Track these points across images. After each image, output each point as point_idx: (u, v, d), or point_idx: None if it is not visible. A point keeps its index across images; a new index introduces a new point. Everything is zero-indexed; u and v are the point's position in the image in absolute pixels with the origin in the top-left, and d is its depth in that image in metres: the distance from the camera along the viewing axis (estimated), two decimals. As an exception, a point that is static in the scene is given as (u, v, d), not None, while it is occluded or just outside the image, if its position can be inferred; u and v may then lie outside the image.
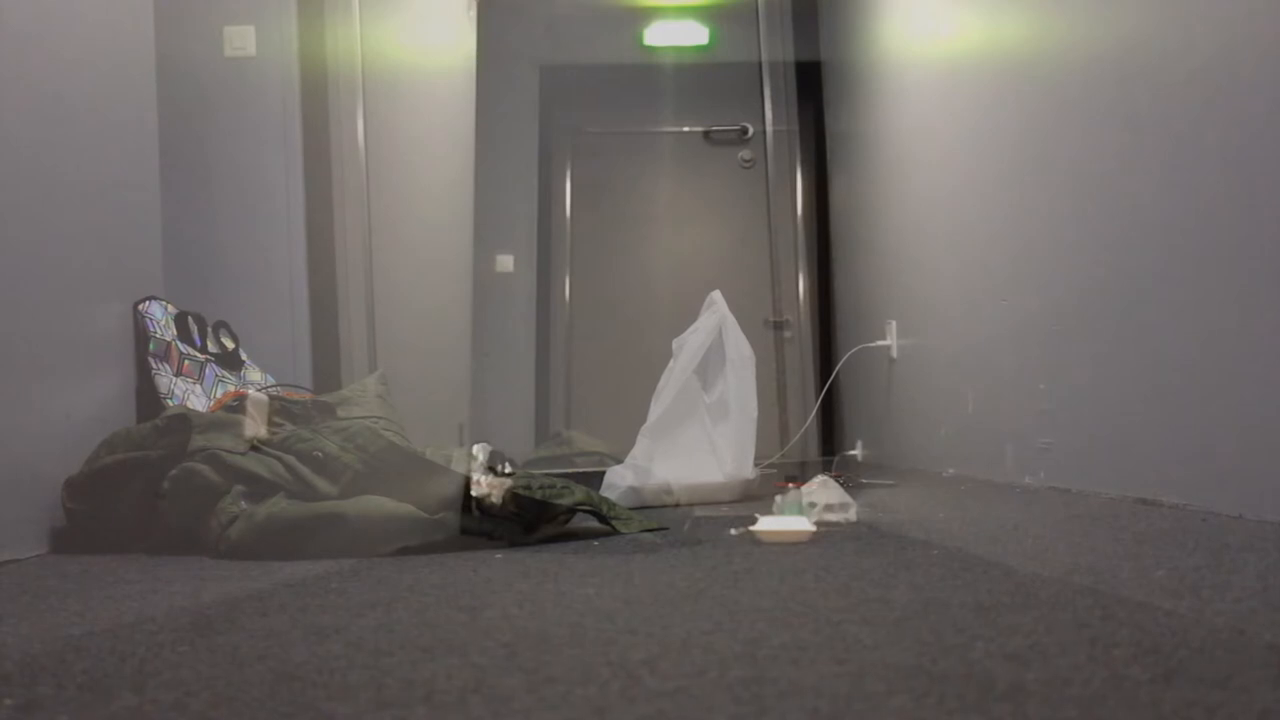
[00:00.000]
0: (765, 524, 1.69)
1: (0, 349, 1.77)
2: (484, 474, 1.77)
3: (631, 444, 2.57)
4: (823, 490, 1.87)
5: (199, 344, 2.39)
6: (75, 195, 2.06)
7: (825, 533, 1.68)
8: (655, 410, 2.47)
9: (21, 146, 1.88)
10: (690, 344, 2.49)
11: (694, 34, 3.93)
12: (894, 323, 3.03)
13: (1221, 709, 0.62)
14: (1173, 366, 1.69)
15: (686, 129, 4.00)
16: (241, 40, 3.16)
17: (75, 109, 2.08)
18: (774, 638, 0.87)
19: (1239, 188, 1.51)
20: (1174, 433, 1.69)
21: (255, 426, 1.87)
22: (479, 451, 1.91)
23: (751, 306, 4.13)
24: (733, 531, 1.75)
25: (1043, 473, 2.13)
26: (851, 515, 1.83)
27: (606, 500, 1.90)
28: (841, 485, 2.23)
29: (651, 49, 4.00)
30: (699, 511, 2.18)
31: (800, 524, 1.67)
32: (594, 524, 1.83)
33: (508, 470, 1.87)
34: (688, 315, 2.65)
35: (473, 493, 1.68)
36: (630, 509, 2.01)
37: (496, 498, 1.69)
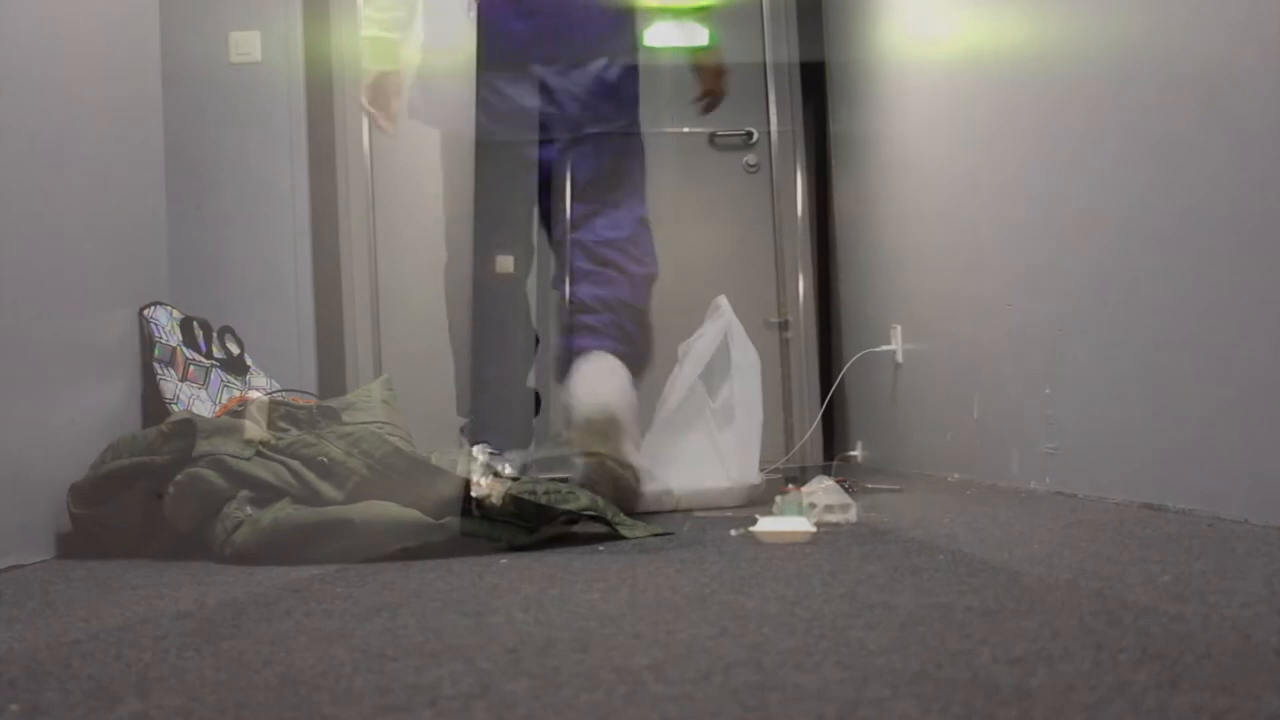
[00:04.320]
0: (765, 525, 1.69)
1: (5, 355, 1.78)
2: (484, 475, 1.77)
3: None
4: (823, 491, 1.87)
5: (204, 349, 2.39)
6: (80, 201, 2.07)
7: (826, 534, 1.68)
8: (660, 415, 2.47)
9: (25, 152, 1.89)
10: (696, 349, 2.49)
11: (694, 35, 3.90)
12: (899, 327, 3.03)
13: (1228, 714, 0.61)
14: (1177, 371, 1.68)
15: (687, 130, 3.99)
16: (247, 46, 3.17)
17: (79, 115, 2.09)
18: (779, 643, 0.87)
19: (1243, 190, 1.51)
20: (1179, 438, 1.69)
21: (257, 429, 1.88)
22: (479, 453, 1.91)
23: (754, 308, 4.13)
24: (733, 532, 1.75)
25: (1048, 478, 2.12)
26: (852, 516, 1.83)
27: (610, 505, 1.91)
28: (846, 490, 2.23)
29: (652, 50, 3.97)
30: (701, 514, 2.18)
31: (800, 525, 1.68)
32: (598, 528, 1.83)
33: (508, 472, 1.87)
34: (687, 315, 2.65)
35: (473, 494, 1.68)
36: (634, 513, 2.01)
37: (496, 499, 1.69)
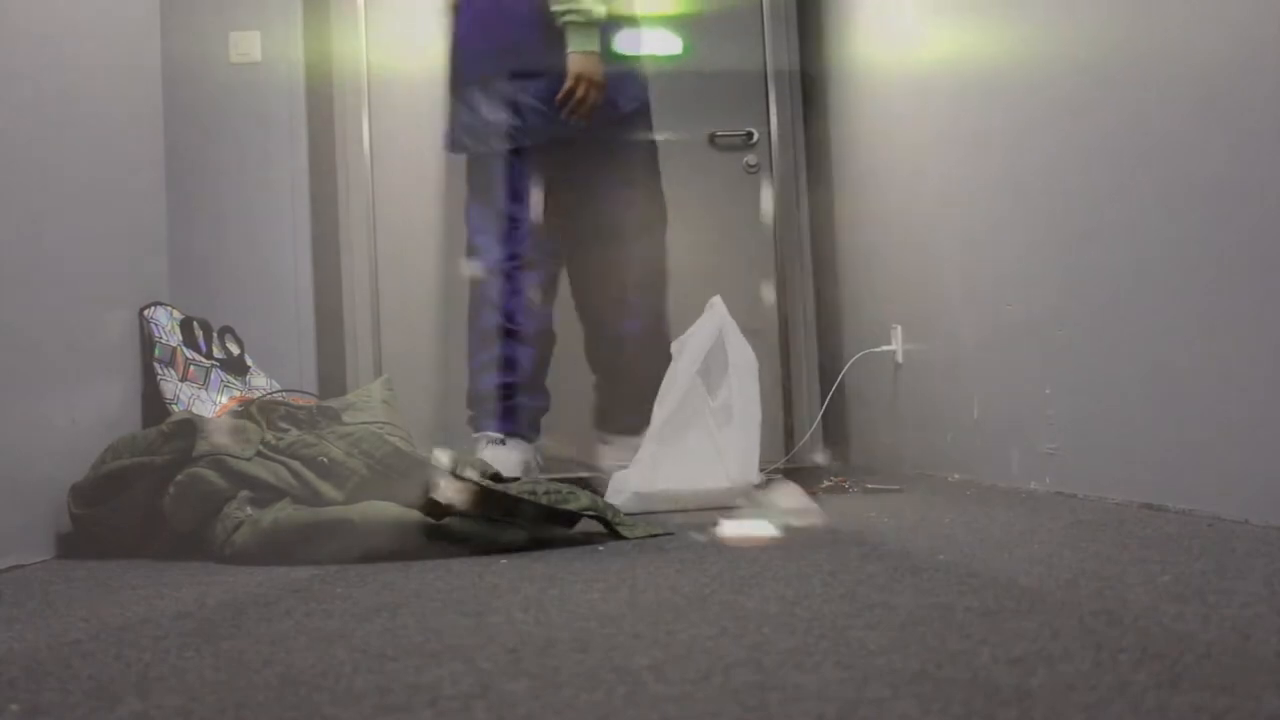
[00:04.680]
0: (728, 528, 1.72)
1: (5, 355, 1.78)
2: (447, 478, 1.75)
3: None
4: (785, 494, 1.89)
5: (204, 349, 2.39)
6: (80, 201, 2.07)
7: (790, 537, 1.69)
8: (659, 415, 2.47)
9: (26, 152, 1.89)
10: (690, 346, 2.49)
11: (668, 43, 3.84)
12: (899, 327, 3.03)
13: (1228, 715, 0.61)
14: (1178, 371, 1.69)
15: (687, 132, 3.96)
16: (247, 46, 3.17)
17: (80, 114, 2.09)
18: (779, 643, 0.88)
19: (1243, 191, 1.51)
20: (1180, 437, 1.69)
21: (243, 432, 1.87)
22: (442, 455, 1.89)
23: (754, 309, 4.13)
24: (697, 536, 1.76)
25: (1048, 478, 2.12)
26: (815, 519, 1.85)
27: (610, 505, 1.91)
28: (846, 490, 2.23)
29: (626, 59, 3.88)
30: (701, 514, 2.18)
31: (763, 528, 1.70)
32: (596, 529, 1.83)
33: (470, 474, 1.85)
34: (686, 315, 2.65)
35: (435, 497, 1.68)
36: (632, 513, 2.01)
37: (460, 503, 1.69)
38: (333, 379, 3.43)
